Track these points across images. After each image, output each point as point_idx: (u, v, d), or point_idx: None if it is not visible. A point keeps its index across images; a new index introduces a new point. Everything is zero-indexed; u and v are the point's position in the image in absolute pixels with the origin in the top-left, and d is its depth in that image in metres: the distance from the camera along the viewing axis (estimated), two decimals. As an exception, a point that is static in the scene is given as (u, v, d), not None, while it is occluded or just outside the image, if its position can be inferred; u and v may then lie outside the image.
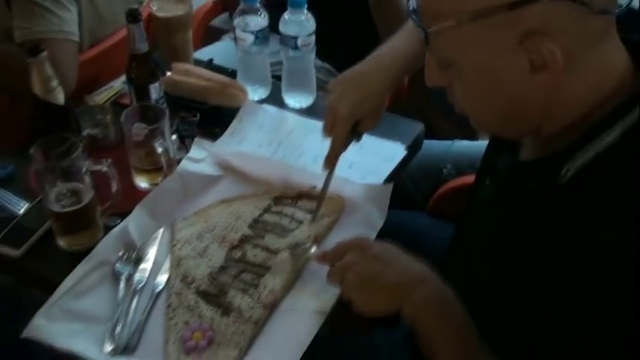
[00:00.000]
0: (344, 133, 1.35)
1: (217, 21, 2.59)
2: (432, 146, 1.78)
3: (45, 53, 1.35)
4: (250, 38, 1.67)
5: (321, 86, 1.74)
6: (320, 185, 1.41)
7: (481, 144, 1.41)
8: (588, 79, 0.92)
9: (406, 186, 1.76)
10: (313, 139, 1.57)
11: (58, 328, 1.21)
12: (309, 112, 1.69)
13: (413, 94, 2.34)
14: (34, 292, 1.74)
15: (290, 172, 1.47)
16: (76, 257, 1.31)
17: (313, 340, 1.19)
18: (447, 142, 1.85)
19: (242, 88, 1.69)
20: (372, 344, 1.43)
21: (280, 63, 1.71)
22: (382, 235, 1.35)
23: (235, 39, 1.71)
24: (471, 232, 1.18)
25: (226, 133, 1.61)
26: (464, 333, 1.02)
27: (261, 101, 1.73)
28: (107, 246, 1.33)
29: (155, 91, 1.56)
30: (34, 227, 1.39)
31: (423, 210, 1.71)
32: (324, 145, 1.45)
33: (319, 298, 1.23)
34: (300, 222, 1.38)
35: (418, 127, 1.65)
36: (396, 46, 1.39)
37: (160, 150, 1.42)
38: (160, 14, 1.72)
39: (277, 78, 1.76)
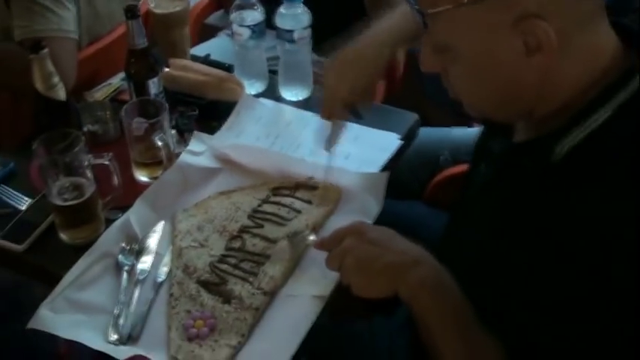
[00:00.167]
0: (345, 116, 1.38)
1: (212, 18, 2.62)
2: (430, 134, 1.80)
3: (46, 50, 1.37)
4: (247, 32, 1.69)
5: (318, 80, 1.76)
6: (318, 176, 1.44)
7: (477, 131, 1.43)
8: (581, 60, 0.94)
9: (403, 175, 1.77)
10: (310, 132, 1.60)
11: (62, 318, 1.23)
12: (305, 104, 1.71)
13: (407, 87, 2.37)
14: (34, 290, 1.77)
15: (288, 164, 1.50)
16: (79, 251, 1.33)
17: (313, 327, 1.20)
18: (445, 130, 1.87)
19: (239, 83, 1.71)
20: (371, 331, 1.44)
21: (276, 58, 1.73)
22: (379, 224, 1.37)
23: (232, 34, 1.73)
24: (467, 217, 1.20)
25: (224, 126, 1.63)
26: (460, 313, 1.03)
27: (259, 95, 1.76)
28: (109, 238, 1.36)
29: (154, 86, 1.58)
30: (36, 222, 1.41)
31: (420, 198, 1.72)
32: (322, 137, 1.48)
33: (318, 284, 1.25)
34: (299, 212, 1.40)
35: (413, 118, 1.67)
36: (390, 22, 1.41)
37: (159, 144, 1.45)
38: (158, 11, 1.74)
39: (274, 73, 1.78)
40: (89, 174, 1.35)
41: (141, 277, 1.30)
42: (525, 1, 0.88)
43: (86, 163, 1.34)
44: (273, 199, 1.43)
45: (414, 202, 1.72)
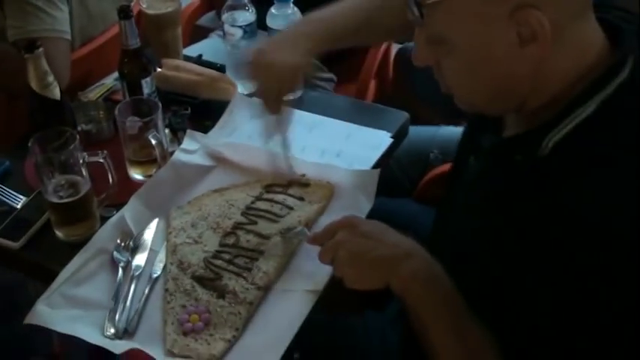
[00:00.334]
0: (278, 108, 1.44)
1: (204, 20, 2.64)
2: (419, 132, 1.82)
3: (41, 49, 1.39)
4: (239, 33, 1.71)
5: (308, 80, 1.78)
6: (309, 174, 1.47)
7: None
8: (571, 53, 0.96)
9: (394, 173, 1.79)
10: (301, 130, 1.61)
11: (59, 314, 1.24)
12: (296, 104, 1.72)
13: (398, 87, 2.39)
14: (29, 289, 1.78)
15: (280, 161, 1.51)
16: (74, 248, 1.35)
17: (306, 323, 1.22)
18: (434, 128, 1.89)
19: (232, 82, 1.72)
20: (364, 326, 1.46)
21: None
22: (370, 221, 1.39)
23: (224, 34, 1.75)
24: (456, 211, 1.21)
25: (217, 125, 1.65)
26: (452, 304, 1.04)
27: (251, 94, 1.77)
28: (105, 235, 1.37)
29: (147, 85, 1.59)
30: (32, 219, 1.42)
31: (411, 196, 1.74)
32: (312, 135, 1.51)
33: (312, 278, 1.27)
34: (291, 208, 1.42)
35: (403, 116, 1.69)
36: (327, 14, 1.45)
37: (153, 142, 1.46)
38: (150, 11, 1.76)
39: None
40: (84, 172, 1.37)
41: (136, 273, 1.32)
42: None
43: (81, 160, 1.35)
44: (266, 196, 1.45)
45: (404, 199, 1.74)
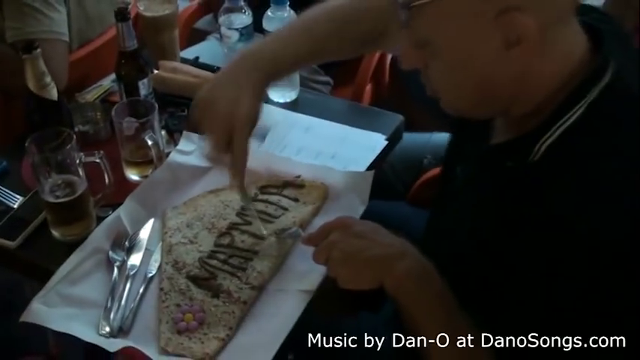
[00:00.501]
0: (243, 146, 1.30)
1: (201, 23, 2.65)
2: (413, 138, 1.83)
3: (39, 50, 1.40)
4: (235, 35, 1.73)
5: (304, 82, 1.80)
6: (304, 175, 1.48)
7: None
8: (556, 56, 0.97)
9: (388, 177, 1.80)
10: (297, 132, 1.63)
11: (54, 312, 1.25)
12: (292, 106, 1.75)
13: (393, 91, 2.41)
14: (25, 290, 1.79)
15: (275, 162, 1.52)
16: (71, 247, 1.35)
17: (300, 323, 1.22)
18: (427, 135, 1.90)
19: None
20: (357, 327, 1.47)
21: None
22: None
23: (221, 37, 1.76)
24: (448, 213, 1.22)
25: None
26: (445, 303, 1.06)
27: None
28: (100, 234, 1.38)
29: (144, 87, 1.61)
30: (28, 219, 1.43)
31: (404, 200, 1.76)
32: (307, 137, 1.51)
33: (306, 278, 1.27)
34: (286, 209, 1.42)
35: (398, 119, 1.70)
36: (269, 45, 1.36)
37: (150, 143, 1.47)
38: (147, 14, 1.77)
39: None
40: (81, 172, 1.38)
41: (131, 273, 1.32)
42: None
43: (78, 161, 1.36)
44: (261, 197, 1.46)
45: (398, 202, 1.75)
